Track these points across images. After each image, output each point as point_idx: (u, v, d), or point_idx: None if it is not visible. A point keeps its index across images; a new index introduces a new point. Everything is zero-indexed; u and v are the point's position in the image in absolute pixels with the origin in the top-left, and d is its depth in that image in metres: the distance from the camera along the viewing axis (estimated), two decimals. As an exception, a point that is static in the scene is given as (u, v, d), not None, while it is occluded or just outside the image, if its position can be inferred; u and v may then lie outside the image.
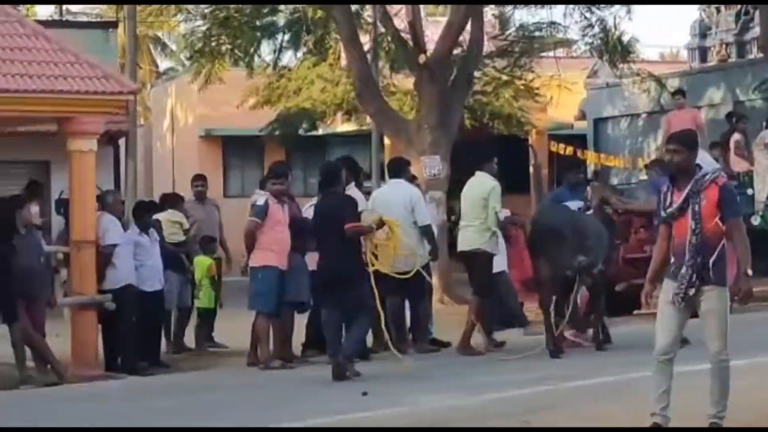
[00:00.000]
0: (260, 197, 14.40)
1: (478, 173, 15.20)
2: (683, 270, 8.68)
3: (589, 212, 15.42)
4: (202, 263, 16.56)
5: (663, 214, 8.89)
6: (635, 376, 11.20)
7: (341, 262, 13.17)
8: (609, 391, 11.29)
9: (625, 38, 27.99)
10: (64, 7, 38.07)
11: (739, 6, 27.05)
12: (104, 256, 14.68)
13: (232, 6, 28.26)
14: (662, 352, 8.75)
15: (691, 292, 8.65)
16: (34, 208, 16.96)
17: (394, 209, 14.68)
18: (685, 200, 8.68)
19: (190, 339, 16.88)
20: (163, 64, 43.38)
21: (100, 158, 17.20)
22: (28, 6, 35.19)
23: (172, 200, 17.38)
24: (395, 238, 14.04)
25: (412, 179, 15.98)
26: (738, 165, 20.74)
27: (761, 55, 25.27)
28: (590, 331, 15.12)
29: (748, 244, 8.83)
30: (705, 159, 20.01)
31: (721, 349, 8.69)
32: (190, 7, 30.58)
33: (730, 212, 8.75)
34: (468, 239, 14.96)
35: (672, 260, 8.85)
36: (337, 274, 13.18)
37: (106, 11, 38.62)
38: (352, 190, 14.59)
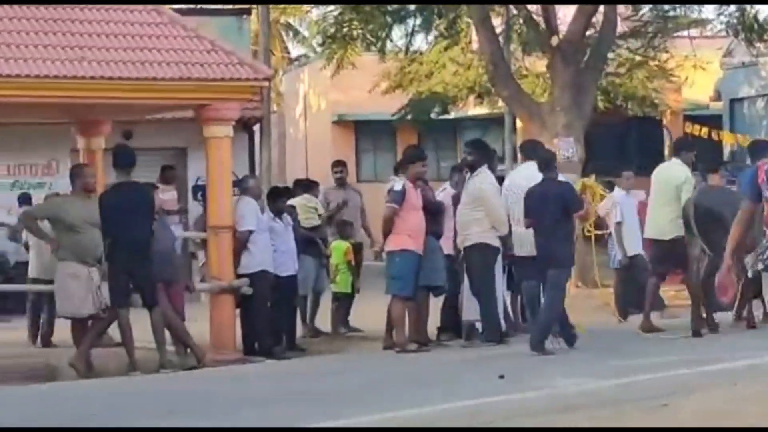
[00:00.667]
0: (398, 182, 14.41)
1: (673, 159, 15.33)
2: None
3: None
4: (338, 248, 16.65)
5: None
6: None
7: (555, 242, 13.53)
8: (750, 374, 11.10)
9: (761, 16, 27.75)
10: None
11: None
12: (240, 242, 14.82)
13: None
14: None
15: None
16: (168, 194, 17.17)
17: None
18: None
19: (325, 323, 16.98)
20: (295, 50, 43.56)
21: (236, 144, 17.37)
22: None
23: (305, 185, 17.46)
24: None
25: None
26: None
27: None
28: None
29: None
30: None
31: None
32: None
33: None
34: (661, 228, 15.22)
35: None
36: (549, 253, 13.50)
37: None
38: (484, 173, 14.57)
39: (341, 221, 17.02)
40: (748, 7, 26.97)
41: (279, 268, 15.22)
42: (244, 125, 23.62)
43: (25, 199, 20.11)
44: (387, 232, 14.26)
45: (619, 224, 16.75)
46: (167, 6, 17.53)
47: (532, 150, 15.68)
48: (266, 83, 18.32)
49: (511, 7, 26.77)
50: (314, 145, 36.08)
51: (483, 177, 14.54)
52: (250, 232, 14.85)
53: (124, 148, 14.69)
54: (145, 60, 14.97)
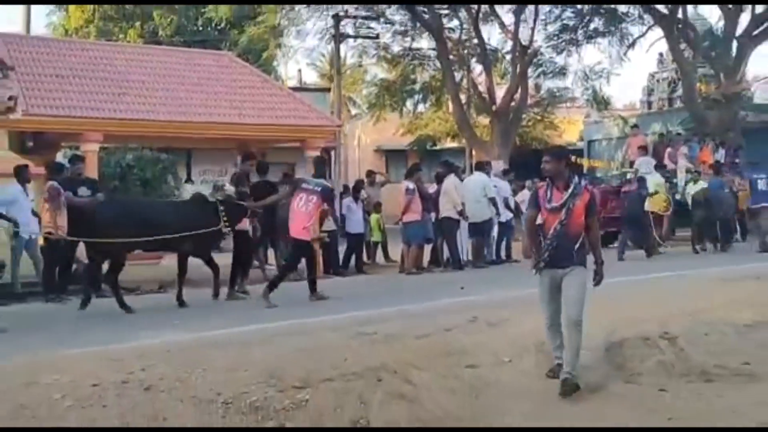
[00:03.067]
0: (410, 184, 14.23)
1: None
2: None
3: None
4: (374, 217, 16.54)
5: (547, 206, 6.53)
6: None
7: None
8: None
9: (605, 96, 27.65)
10: (302, 79, 38.52)
11: (670, 77, 26.28)
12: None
13: (391, 79, 28.37)
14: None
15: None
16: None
17: (474, 188, 14.65)
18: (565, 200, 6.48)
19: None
20: (354, 110, 43.44)
21: (321, 161, 17.31)
22: (283, 80, 35.50)
23: (358, 186, 17.38)
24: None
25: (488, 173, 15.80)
26: (669, 165, 20.11)
27: (682, 105, 24.61)
28: None
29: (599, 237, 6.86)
30: (650, 162, 19.64)
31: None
32: (368, 79, 30.70)
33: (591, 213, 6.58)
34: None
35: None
36: None
37: (324, 82, 38.80)
38: (450, 178, 14.47)
39: (377, 203, 16.92)
40: (598, 90, 26.87)
41: (353, 228, 15.17)
42: (325, 151, 23.57)
43: (216, 187, 20.23)
44: (405, 210, 14.17)
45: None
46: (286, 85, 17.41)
47: (481, 166, 15.71)
48: (338, 128, 18.39)
49: (470, 88, 26.61)
50: (363, 163, 35.89)
51: (449, 181, 14.47)
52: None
53: (262, 163, 14.58)
54: (276, 115, 15.02)
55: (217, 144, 18.66)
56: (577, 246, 6.50)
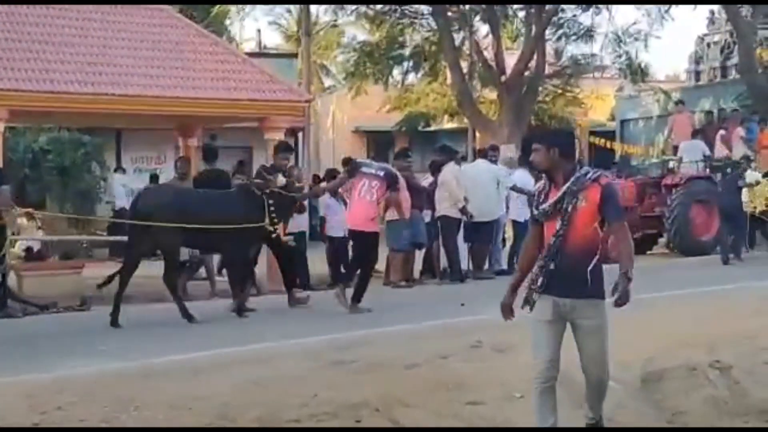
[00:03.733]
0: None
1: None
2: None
3: None
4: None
5: (536, 210, 5.80)
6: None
7: None
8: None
9: (643, 64, 27.73)
10: (262, 43, 38.54)
11: (723, 41, 26.47)
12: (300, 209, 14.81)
13: (374, 42, 28.43)
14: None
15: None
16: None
17: (483, 178, 14.73)
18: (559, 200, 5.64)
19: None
20: (327, 82, 43.46)
21: (286, 145, 17.34)
22: (238, 43, 35.51)
23: (331, 174, 17.38)
24: None
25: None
26: (721, 152, 20.23)
27: (738, 76, 24.77)
28: None
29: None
30: (698, 146, 19.79)
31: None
32: (345, 42, 30.78)
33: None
34: None
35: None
36: None
37: (290, 46, 38.83)
38: (449, 167, 14.51)
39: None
40: (634, 57, 26.98)
41: (335, 231, 14.93)
42: (291, 132, 23.59)
43: (154, 178, 20.88)
44: (387, 206, 14.16)
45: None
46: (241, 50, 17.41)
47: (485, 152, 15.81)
48: (307, 104, 18.27)
49: (474, 55, 26.69)
50: (339, 147, 35.90)
51: (448, 170, 14.48)
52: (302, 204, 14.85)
53: (210, 147, 14.61)
54: (226, 87, 14.98)
55: (153, 123, 18.62)
56: (590, 267, 5.59)
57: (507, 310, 5.95)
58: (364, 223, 11.07)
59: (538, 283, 5.65)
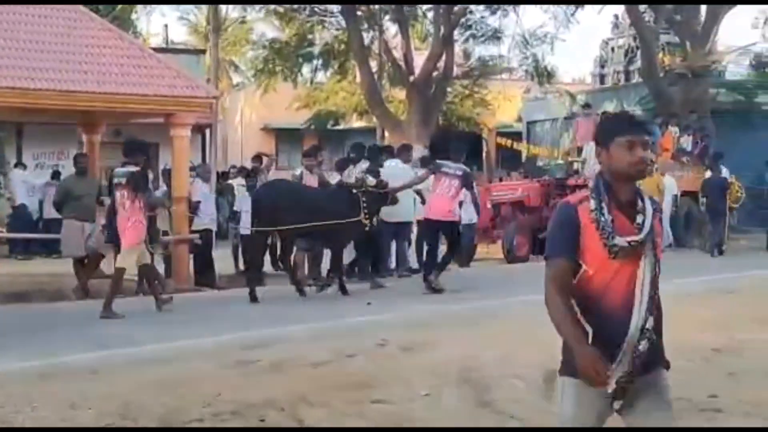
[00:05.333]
0: (299, 170, 14.33)
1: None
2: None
3: None
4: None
5: (610, 242, 3.68)
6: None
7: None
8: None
9: (549, 67, 28.17)
10: (170, 39, 38.04)
11: (627, 45, 27.01)
12: (193, 208, 14.72)
13: (283, 39, 28.33)
14: None
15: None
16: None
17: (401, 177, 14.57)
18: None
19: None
20: (236, 78, 43.14)
21: (193, 142, 17.23)
22: (145, 38, 34.99)
23: (241, 171, 17.31)
24: None
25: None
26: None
27: (641, 80, 25.30)
28: None
29: None
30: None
31: None
32: (254, 38, 30.60)
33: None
34: None
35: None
36: None
37: (198, 42, 38.41)
38: (362, 164, 14.51)
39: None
40: (540, 59, 27.37)
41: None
42: (199, 129, 23.43)
43: (56, 174, 20.60)
44: None
45: None
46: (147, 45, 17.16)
47: (401, 151, 15.80)
48: (214, 100, 18.13)
49: (383, 54, 26.75)
50: (247, 144, 35.74)
51: (361, 166, 14.49)
52: (198, 202, 14.77)
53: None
54: (131, 81, 14.74)
55: (56, 118, 18.25)
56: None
57: (603, 371, 3.61)
58: (446, 214, 12.71)
59: (629, 363, 3.69)
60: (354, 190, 12.50)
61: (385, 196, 12.88)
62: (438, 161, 13.39)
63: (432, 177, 13.18)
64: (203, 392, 6.81)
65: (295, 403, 6.71)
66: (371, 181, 12.78)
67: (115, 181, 10.97)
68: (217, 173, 17.07)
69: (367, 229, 12.54)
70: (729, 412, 6.86)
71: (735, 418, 6.75)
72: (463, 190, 13.17)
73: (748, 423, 6.65)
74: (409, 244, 15.45)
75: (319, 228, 12.19)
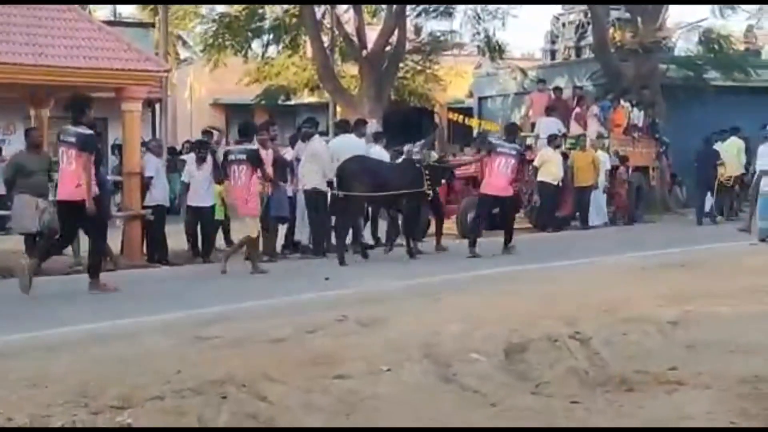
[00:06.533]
0: (252, 145, 14.19)
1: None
2: None
3: None
4: (215, 189, 16.27)
5: None
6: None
7: None
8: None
9: (500, 42, 28.15)
10: (117, 12, 37.53)
11: (578, 21, 27.06)
12: (145, 183, 14.53)
13: (233, 14, 28.02)
14: None
15: None
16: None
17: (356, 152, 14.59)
18: None
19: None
20: (184, 53, 42.72)
21: (143, 117, 17.01)
22: (93, 9, 34.44)
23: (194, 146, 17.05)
24: None
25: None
26: (576, 129, 20.70)
27: (592, 55, 25.39)
28: None
29: None
30: (554, 123, 20.22)
31: None
32: (202, 13, 30.29)
33: None
34: None
35: None
36: None
37: (146, 15, 37.87)
38: (317, 139, 14.47)
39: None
40: (492, 34, 27.35)
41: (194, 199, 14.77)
42: (149, 104, 23.14)
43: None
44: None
45: None
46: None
47: (355, 126, 15.76)
48: (165, 74, 17.98)
49: (335, 28, 26.58)
50: (197, 120, 35.32)
51: (317, 142, 14.46)
52: (150, 177, 14.57)
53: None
54: (80, 54, 14.52)
55: (2, 92, 17.87)
56: None
57: None
58: (505, 190, 14.16)
59: None
60: (418, 164, 14.12)
61: (445, 169, 14.86)
62: (493, 141, 15.04)
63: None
64: (163, 369, 6.69)
65: (256, 380, 6.61)
66: (434, 156, 14.84)
67: (231, 157, 12.79)
68: (168, 149, 16.84)
69: (429, 198, 14.22)
70: (689, 384, 6.89)
71: (694, 391, 6.78)
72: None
73: (708, 395, 6.68)
74: (366, 220, 15.43)
75: (391, 197, 13.83)
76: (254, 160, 12.74)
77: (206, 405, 6.14)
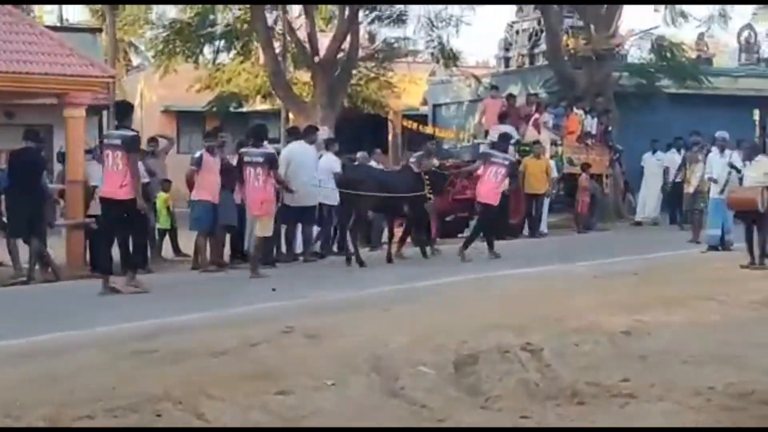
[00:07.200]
0: (198, 152, 13.99)
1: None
2: None
3: None
4: (160, 197, 16.03)
5: None
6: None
7: None
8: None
9: (454, 49, 28.01)
10: (64, 17, 36.97)
11: (531, 28, 27.04)
12: (90, 193, 14.20)
13: (184, 20, 27.70)
14: None
15: None
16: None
17: (307, 162, 14.62)
18: None
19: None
20: (135, 60, 42.23)
21: (89, 124, 16.74)
22: (38, 15, 33.93)
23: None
24: None
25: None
26: (532, 136, 20.53)
27: (546, 62, 25.38)
28: None
29: None
30: (508, 130, 20.09)
31: None
32: (154, 19, 29.89)
33: None
34: None
35: None
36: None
37: (95, 21, 37.38)
38: (265, 146, 14.22)
39: (163, 179, 16.34)
40: (446, 42, 27.21)
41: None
42: (95, 110, 22.74)
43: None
44: (190, 186, 13.83)
45: None
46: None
47: (306, 133, 15.51)
48: (111, 80, 17.63)
49: (287, 35, 26.33)
50: (147, 127, 34.83)
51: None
52: (95, 186, 14.23)
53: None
54: (22, 60, 14.21)
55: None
56: None
57: None
58: (494, 198, 14.71)
59: None
60: (419, 171, 14.73)
61: (445, 176, 15.66)
62: (487, 151, 15.70)
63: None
64: (96, 386, 6.43)
65: (194, 396, 6.38)
66: (434, 163, 15.57)
67: (248, 159, 12.88)
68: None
69: (430, 201, 14.76)
70: (642, 396, 6.75)
71: (647, 404, 6.64)
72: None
73: (661, 408, 6.54)
74: (320, 226, 15.26)
75: (393, 201, 14.34)
76: (271, 163, 12.99)
77: (139, 424, 5.89)
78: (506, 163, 14.83)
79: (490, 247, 14.83)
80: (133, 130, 11.97)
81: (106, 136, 11.79)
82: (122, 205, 11.14)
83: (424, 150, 15.98)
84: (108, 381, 6.55)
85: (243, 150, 13.38)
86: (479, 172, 15.10)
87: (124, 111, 12.51)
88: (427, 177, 14.67)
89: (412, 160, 15.60)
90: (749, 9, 32.42)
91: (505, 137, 16.12)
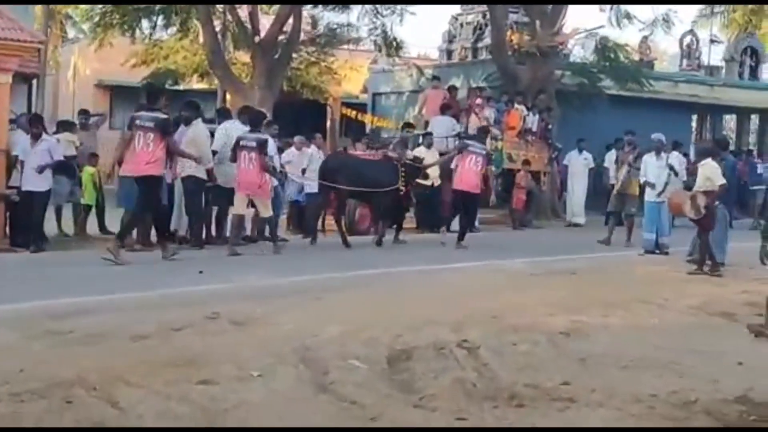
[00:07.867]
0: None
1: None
2: None
3: None
4: (86, 171, 15.47)
5: None
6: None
7: None
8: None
9: (397, 39, 27.74)
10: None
11: (476, 22, 26.85)
12: (12, 162, 13.59)
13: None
14: None
15: None
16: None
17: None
18: None
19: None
20: (71, 32, 41.22)
21: (17, 92, 16.05)
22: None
23: (67, 125, 16.07)
24: None
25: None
26: (474, 123, 20.27)
27: (489, 56, 25.20)
28: None
29: None
30: (448, 122, 19.86)
31: None
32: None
33: None
34: None
35: None
36: None
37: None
38: (197, 125, 13.80)
39: (91, 153, 15.79)
40: (389, 30, 26.92)
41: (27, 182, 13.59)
42: (24, 78, 21.93)
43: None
44: (120, 161, 13.22)
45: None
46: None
47: (240, 113, 15.09)
48: (40, 45, 16.98)
49: (227, 13, 25.80)
50: (80, 101, 33.97)
51: (198, 128, 13.77)
52: (16, 156, 13.62)
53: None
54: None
55: None
56: None
57: None
58: (475, 187, 15.20)
59: None
60: (395, 162, 15.09)
61: (419, 168, 15.64)
62: (464, 141, 16.11)
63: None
64: (3, 368, 5.98)
65: (110, 382, 5.98)
66: (409, 154, 15.87)
67: (243, 143, 13.29)
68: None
69: (401, 192, 15.00)
70: (582, 401, 6.48)
71: (587, 409, 6.37)
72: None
73: (600, 414, 6.27)
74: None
75: (366, 191, 14.71)
76: (264, 148, 13.37)
77: (47, 411, 5.47)
78: (483, 152, 15.35)
79: (460, 236, 15.12)
80: (164, 113, 12.31)
81: (137, 118, 12.06)
82: (145, 180, 11.87)
83: (399, 139, 16.72)
84: (17, 363, 6.13)
85: (239, 134, 13.61)
86: (455, 162, 15.40)
87: (155, 94, 12.86)
88: (403, 169, 15.06)
89: (390, 148, 16.14)
90: (691, 15, 32.66)
91: (483, 130, 16.75)
